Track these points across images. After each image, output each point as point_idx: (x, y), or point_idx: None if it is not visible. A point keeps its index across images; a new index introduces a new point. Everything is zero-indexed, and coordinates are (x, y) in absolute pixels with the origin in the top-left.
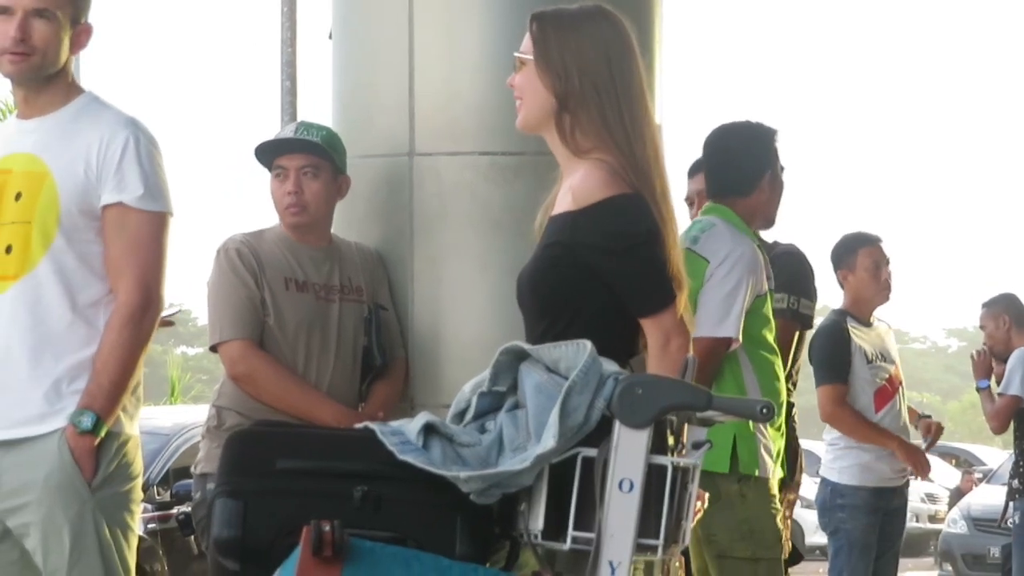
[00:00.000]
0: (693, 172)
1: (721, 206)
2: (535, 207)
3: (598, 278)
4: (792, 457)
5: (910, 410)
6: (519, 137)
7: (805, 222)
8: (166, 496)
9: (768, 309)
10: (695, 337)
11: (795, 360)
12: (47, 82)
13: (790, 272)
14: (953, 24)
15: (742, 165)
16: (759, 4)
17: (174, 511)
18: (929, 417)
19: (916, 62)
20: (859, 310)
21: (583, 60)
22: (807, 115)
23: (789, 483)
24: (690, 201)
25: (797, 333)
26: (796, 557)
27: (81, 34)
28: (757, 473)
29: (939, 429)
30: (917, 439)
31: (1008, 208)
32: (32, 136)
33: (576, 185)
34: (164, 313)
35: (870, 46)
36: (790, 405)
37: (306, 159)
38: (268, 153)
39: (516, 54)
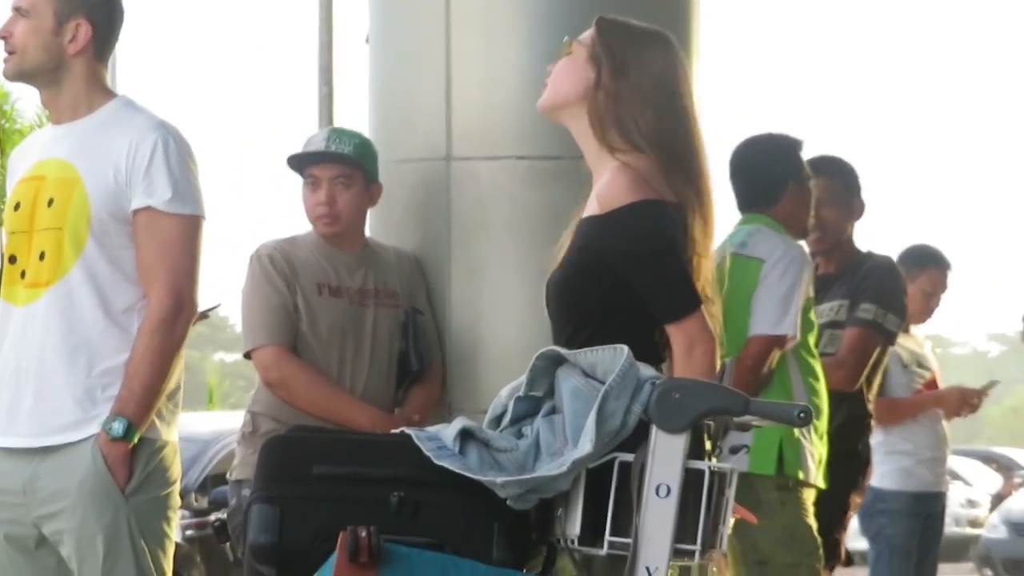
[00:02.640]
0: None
1: (756, 215)
2: (573, 211)
3: (624, 283)
4: (864, 462)
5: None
6: (557, 141)
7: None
8: (204, 503)
9: (812, 314)
10: (752, 336)
11: (874, 372)
12: (53, 82)
13: (882, 285)
14: (1003, 30)
15: (765, 177)
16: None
17: (211, 518)
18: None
19: (962, 67)
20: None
21: (633, 62)
22: (850, 122)
23: (858, 486)
24: None
25: (880, 346)
26: (849, 559)
27: (76, 33)
28: (801, 476)
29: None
30: (956, 443)
31: None
32: (64, 142)
33: (602, 190)
34: (201, 308)
35: (914, 53)
36: (868, 413)
37: (338, 169)
38: (300, 163)
39: (571, 39)
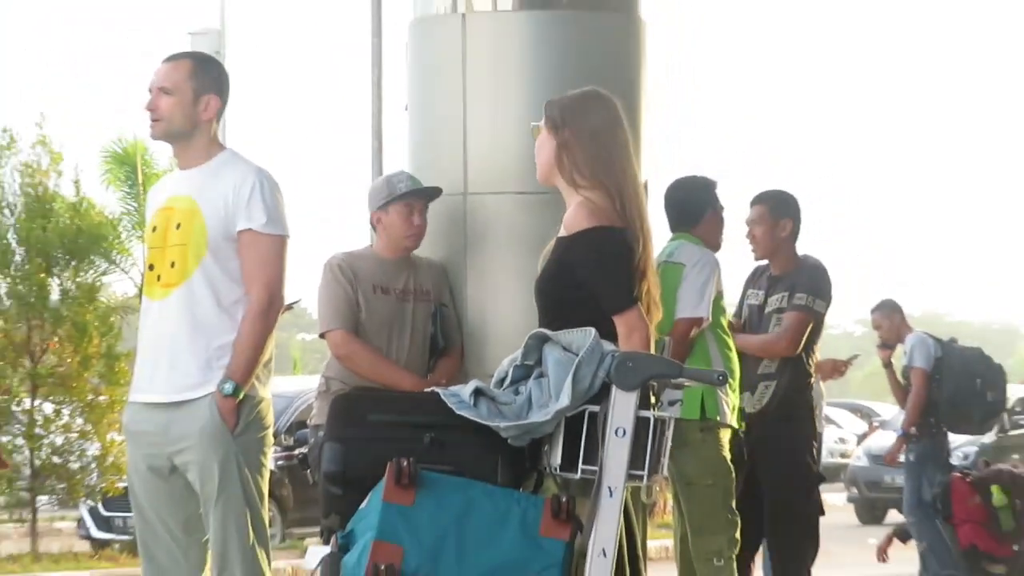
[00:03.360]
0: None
1: (682, 233)
2: (553, 232)
3: (582, 286)
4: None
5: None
6: None
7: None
8: (290, 441)
9: (723, 302)
10: (679, 318)
11: (812, 342)
12: (186, 140)
13: (812, 280)
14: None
15: (690, 207)
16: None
17: (296, 452)
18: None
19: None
20: None
21: (578, 123)
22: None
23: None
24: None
25: (811, 324)
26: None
27: (208, 105)
28: (718, 419)
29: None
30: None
31: (891, 224)
32: (188, 183)
33: (567, 218)
34: (287, 302)
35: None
36: (809, 373)
37: (423, 201)
38: (400, 193)
39: (532, 123)
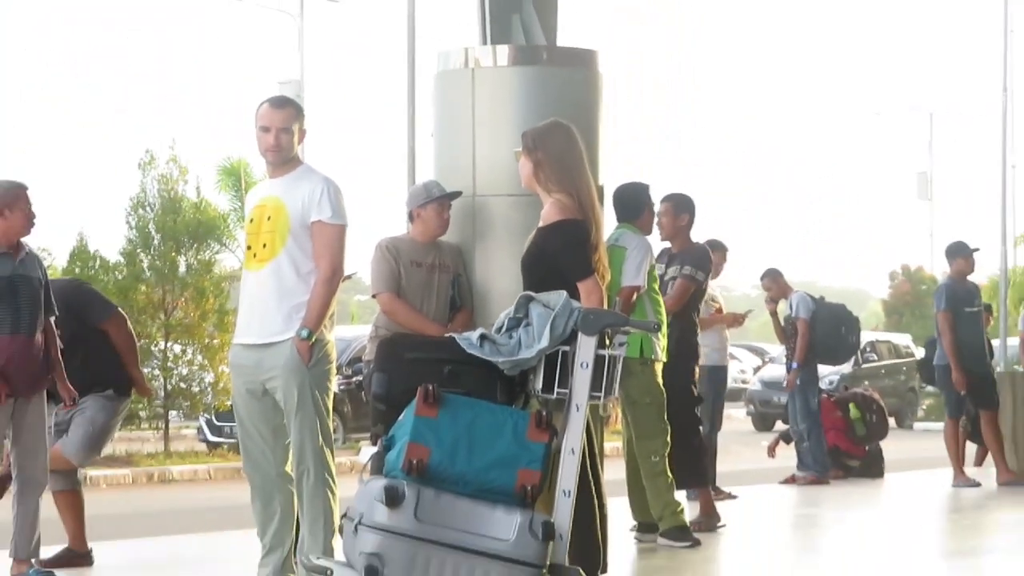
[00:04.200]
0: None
1: (625, 224)
2: (535, 224)
3: (554, 262)
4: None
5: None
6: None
7: None
8: (349, 372)
9: (655, 273)
10: (623, 286)
11: (695, 303)
12: (286, 161)
13: (698, 257)
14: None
15: (632, 204)
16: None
17: (353, 380)
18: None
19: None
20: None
21: (545, 146)
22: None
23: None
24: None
25: (692, 289)
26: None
27: (302, 135)
28: (653, 356)
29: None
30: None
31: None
32: (276, 187)
33: (544, 213)
34: (346, 273)
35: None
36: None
37: (450, 201)
38: (436, 196)
39: (517, 150)
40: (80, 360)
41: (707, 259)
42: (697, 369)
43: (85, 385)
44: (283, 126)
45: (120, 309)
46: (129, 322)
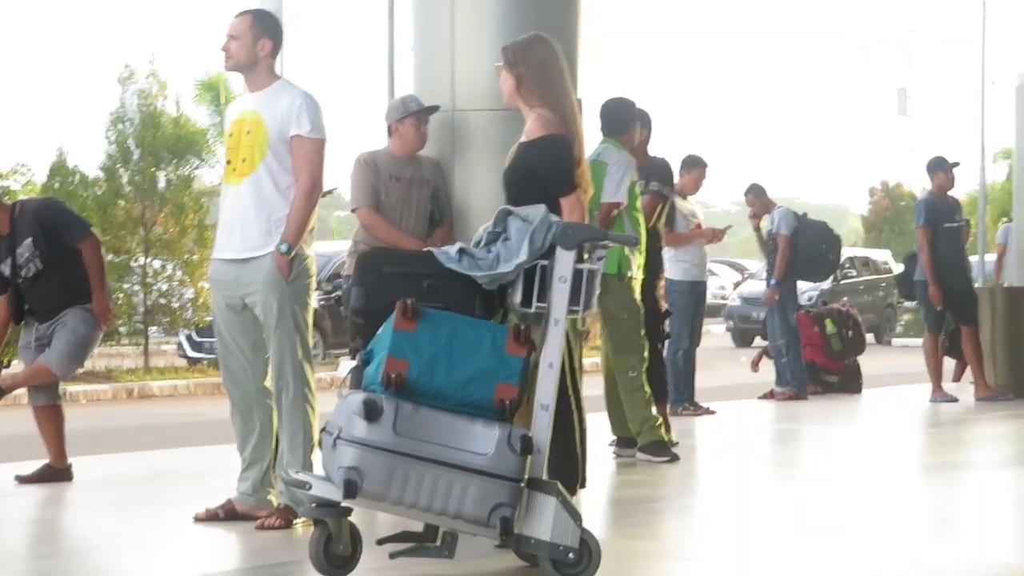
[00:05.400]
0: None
1: (610, 139)
2: (515, 138)
3: (537, 177)
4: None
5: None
6: None
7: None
8: (329, 287)
9: (636, 190)
10: (603, 202)
11: (659, 218)
12: (250, 71)
13: (661, 171)
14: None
15: (620, 119)
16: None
17: (333, 295)
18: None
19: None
20: (684, 193)
21: (527, 60)
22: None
23: (660, 276)
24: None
25: (660, 205)
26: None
27: (263, 46)
28: (630, 273)
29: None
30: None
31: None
32: (255, 102)
33: (527, 128)
34: (325, 189)
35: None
36: (660, 238)
37: (428, 115)
38: (413, 110)
39: (495, 64)
40: (60, 278)
41: (669, 172)
42: (662, 283)
43: (66, 300)
44: (233, 33)
45: (95, 231)
46: (102, 246)
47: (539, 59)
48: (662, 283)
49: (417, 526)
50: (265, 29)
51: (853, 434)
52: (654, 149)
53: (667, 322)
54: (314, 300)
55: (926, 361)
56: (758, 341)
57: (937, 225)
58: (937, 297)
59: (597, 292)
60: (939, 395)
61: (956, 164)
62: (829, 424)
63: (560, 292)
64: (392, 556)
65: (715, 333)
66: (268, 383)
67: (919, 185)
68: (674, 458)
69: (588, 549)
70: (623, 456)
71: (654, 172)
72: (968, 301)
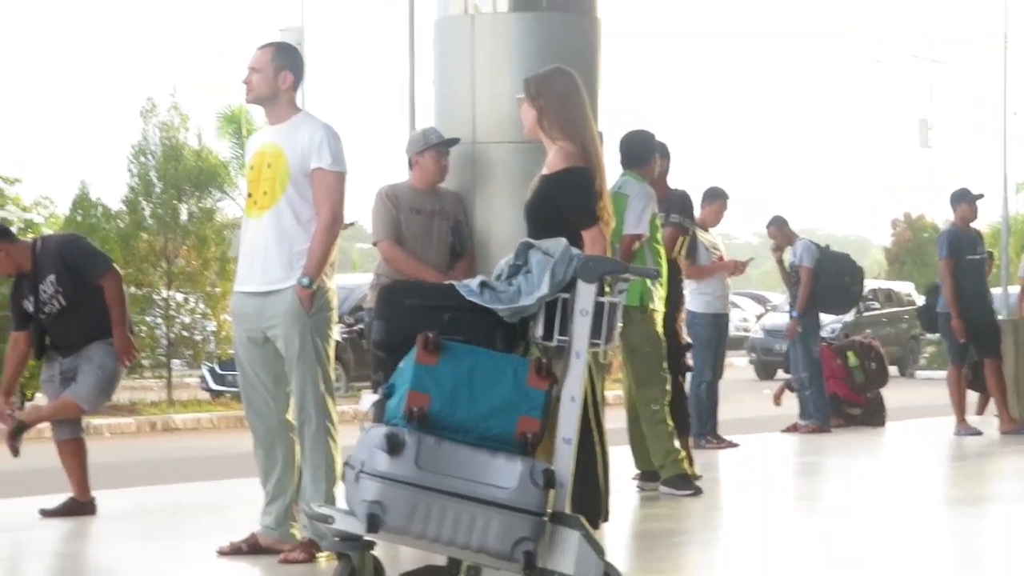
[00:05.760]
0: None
1: (630, 171)
2: (537, 171)
3: (559, 210)
4: (682, 299)
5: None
6: None
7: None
8: (351, 320)
9: (657, 222)
10: (624, 234)
11: (680, 251)
12: (271, 104)
13: (681, 203)
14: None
15: (640, 152)
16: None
17: (355, 328)
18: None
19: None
20: (705, 226)
21: (549, 93)
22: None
23: (680, 309)
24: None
25: (681, 237)
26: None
27: (284, 79)
28: (651, 306)
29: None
30: (735, 288)
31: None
32: (276, 135)
33: (549, 161)
34: (346, 222)
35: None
36: (680, 271)
37: (448, 148)
38: (434, 143)
39: (517, 96)
40: (84, 313)
41: (689, 204)
42: (682, 316)
43: (90, 335)
44: (255, 66)
45: (115, 266)
46: (123, 281)
47: (561, 92)
48: (682, 316)
49: (441, 560)
50: (286, 62)
51: (876, 467)
52: (674, 181)
53: (688, 355)
54: (336, 333)
55: (949, 394)
56: (781, 374)
57: (960, 257)
58: (960, 329)
59: (619, 325)
60: (963, 428)
61: (980, 196)
62: (852, 457)
63: (582, 325)
64: None
65: (738, 366)
66: (290, 416)
67: (941, 217)
68: (697, 491)
69: None
70: (646, 490)
71: (674, 204)
72: (990, 333)
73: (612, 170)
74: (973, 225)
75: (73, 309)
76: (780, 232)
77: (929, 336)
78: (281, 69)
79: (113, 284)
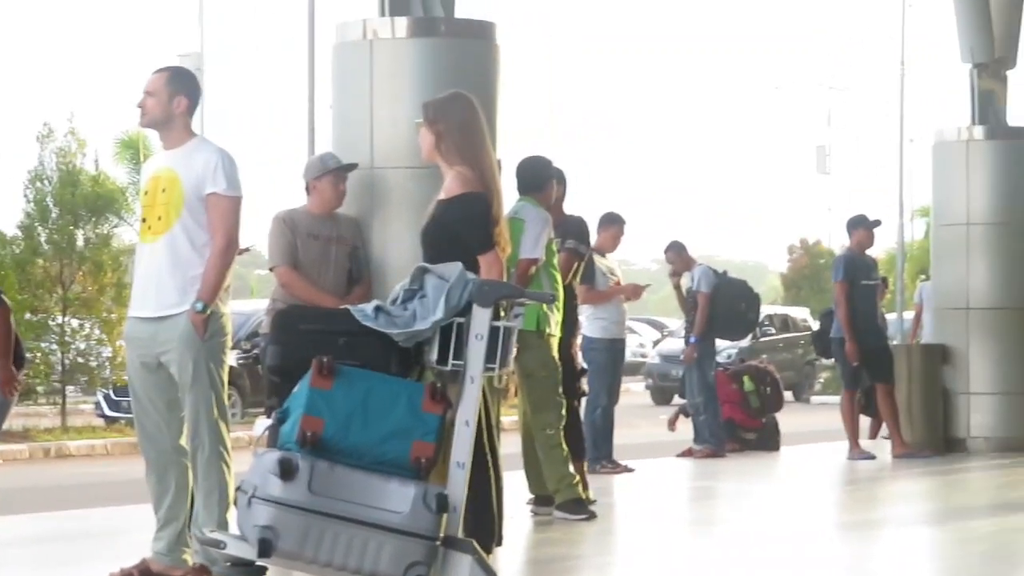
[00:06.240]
0: None
1: (527, 196)
2: (433, 196)
3: (455, 235)
4: (577, 323)
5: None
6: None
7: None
8: (247, 345)
9: (553, 247)
10: (520, 258)
11: (575, 276)
12: (166, 128)
13: (577, 229)
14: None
15: (537, 178)
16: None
17: (251, 353)
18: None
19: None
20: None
21: (447, 118)
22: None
23: (575, 335)
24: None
25: (576, 262)
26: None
27: (178, 103)
28: (548, 330)
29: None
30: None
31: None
32: (170, 159)
33: (446, 186)
34: (242, 247)
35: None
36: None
37: (346, 173)
38: (331, 168)
39: (416, 120)
40: None
41: (585, 229)
42: (577, 341)
43: None
44: (150, 90)
45: (5, 299)
46: (12, 314)
47: (459, 116)
48: (577, 341)
49: None
50: (181, 86)
51: (771, 491)
52: (571, 206)
53: (583, 380)
54: (231, 359)
55: (843, 418)
56: (677, 399)
57: (855, 281)
58: (853, 353)
59: (514, 350)
60: (856, 452)
61: (877, 223)
62: (747, 482)
63: (476, 349)
64: None
65: (634, 391)
66: (184, 442)
67: (838, 243)
68: (591, 516)
69: None
70: (540, 514)
71: (570, 230)
72: (883, 358)
73: (509, 196)
74: (869, 252)
75: None
76: (678, 257)
77: (824, 361)
78: (176, 94)
79: (1, 318)
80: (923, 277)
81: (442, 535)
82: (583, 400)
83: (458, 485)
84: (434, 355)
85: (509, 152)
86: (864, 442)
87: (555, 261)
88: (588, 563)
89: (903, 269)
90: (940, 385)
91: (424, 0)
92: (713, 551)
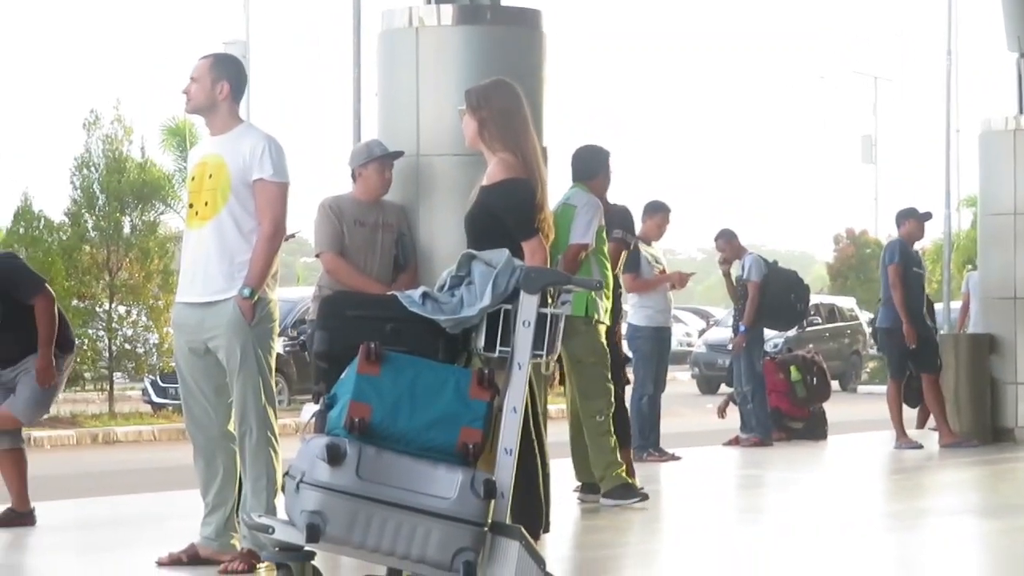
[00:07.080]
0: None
1: (580, 184)
2: (477, 181)
3: (499, 221)
4: (620, 311)
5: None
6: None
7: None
8: (295, 333)
9: (604, 234)
10: (571, 243)
11: (622, 264)
12: (211, 114)
13: (622, 218)
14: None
15: (590, 165)
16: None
17: (298, 340)
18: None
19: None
20: (647, 239)
21: (490, 104)
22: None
23: (618, 323)
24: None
25: (624, 251)
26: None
27: (222, 89)
28: (596, 317)
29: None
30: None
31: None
32: (217, 145)
33: (489, 172)
34: (288, 233)
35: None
36: (619, 286)
37: (392, 160)
38: (377, 155)
39: (459, 107)
40: (21, 329)
41: (630, 218)
42: (621, 329)
43: (29, 348)
44: (194, 76)
45: (48, 287)
46: (55, 303)
47: (502, 103)
48: (621, 329)
49: (381, 570)
50: (224, 72)
51: (817, 480)
52: (615, 195)
53: (628, 368)
54: (279, 345)
55: (889, 407)
56: (723, 388)
57: (907, 267)
58: (911, 335)
59: (561, 336)
60: (903, 442)
61: (928, 215)
62: (794, 470)
63: (524, 336)
64: None
65: (680, 380)
66: (232, 427)
67: (884, 232)
68: (644, 497)
69: None
70: (587, 502)
71: (615, 219)
72: (929, 348)
73: (559, 184)
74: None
75: (9, 326)
76: (729, 245)
77: (871, 351)
78: (219, 79)
79: (44, 304)
80: (970, 267)
81: (490, 521)
82: (627, 388)
83: (506, 471)
84: (481, 342)
85: (558, 138)
86: (911, 432)
87: (605, 249)
88: (634, 550)
89: (950, 259)
90: (988, 375)
91: None
92: (760, 539)
